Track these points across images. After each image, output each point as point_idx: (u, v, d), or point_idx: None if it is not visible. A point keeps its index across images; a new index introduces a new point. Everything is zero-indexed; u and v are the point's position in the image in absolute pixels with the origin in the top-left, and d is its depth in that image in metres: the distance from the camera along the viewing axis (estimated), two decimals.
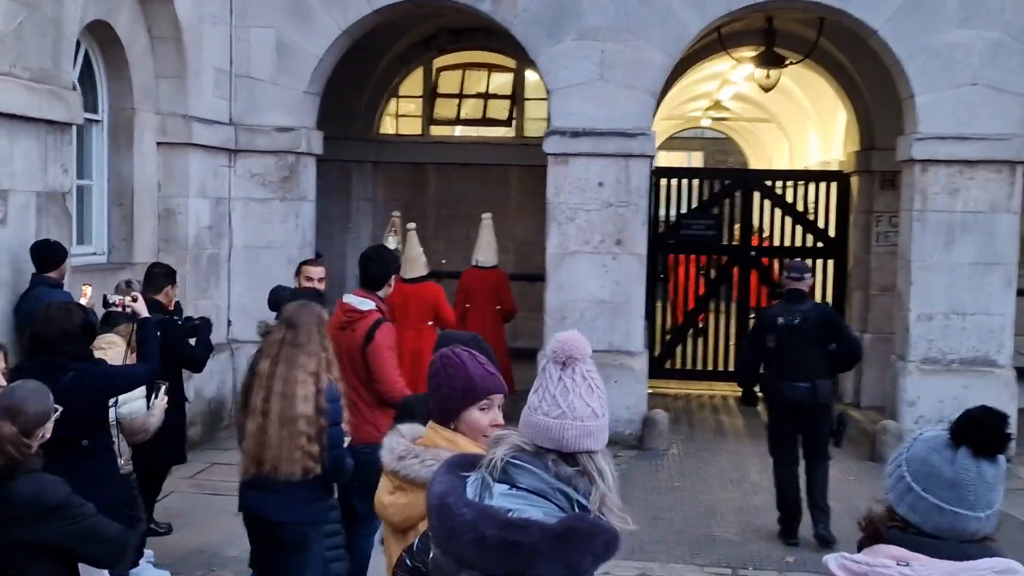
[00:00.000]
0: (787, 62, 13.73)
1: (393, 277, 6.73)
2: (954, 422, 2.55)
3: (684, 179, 15.77)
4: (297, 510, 5.38)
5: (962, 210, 11.33)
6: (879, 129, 13.97)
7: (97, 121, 10.11)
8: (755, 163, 27.87)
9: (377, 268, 6.65)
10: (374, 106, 15.31)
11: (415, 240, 11.17)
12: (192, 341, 7.95)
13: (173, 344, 7.45)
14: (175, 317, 8.15)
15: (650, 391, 14.94)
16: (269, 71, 11.86)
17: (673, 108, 21.89)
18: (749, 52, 14.32)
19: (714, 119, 25.14)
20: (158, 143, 10.70)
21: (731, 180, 15.72)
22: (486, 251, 12.50)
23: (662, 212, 15.68)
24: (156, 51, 10.59)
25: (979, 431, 2.51)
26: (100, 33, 9.81)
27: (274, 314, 7.12)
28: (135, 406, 6.72)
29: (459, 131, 15.78)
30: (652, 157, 11.91)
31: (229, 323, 11.82)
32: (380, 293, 6.66)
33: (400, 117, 15.82)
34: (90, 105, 10.01)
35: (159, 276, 8.30)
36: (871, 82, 13.71)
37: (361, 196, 15.26)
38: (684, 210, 15.58)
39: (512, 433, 2.76)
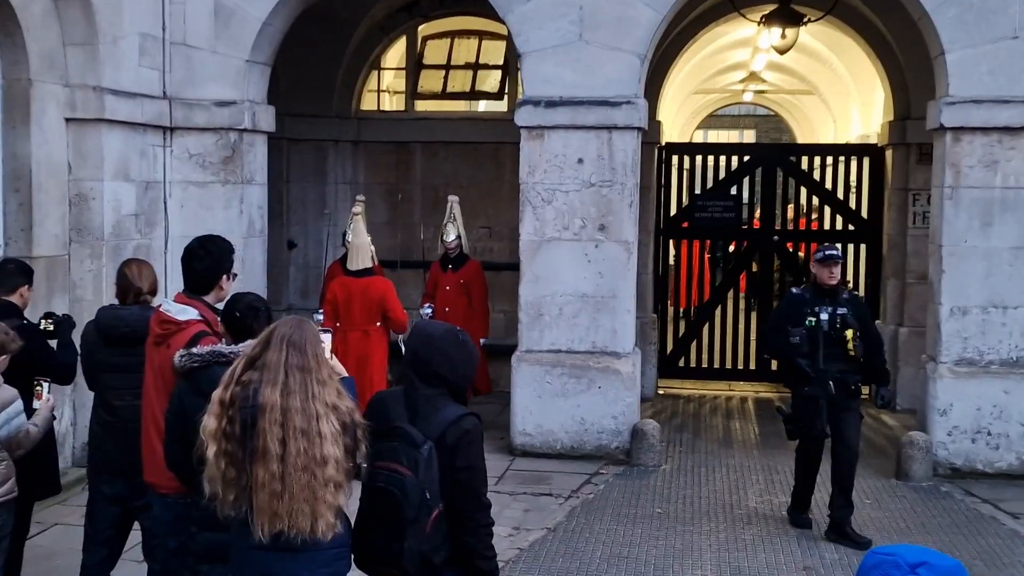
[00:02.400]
0: (805, 19, 12.07)
1: (226, 278, 5.30)
2: None
3: (698, 156, 14.19)
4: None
5: (1002, 185, 9.65)
6: (915, 95, 12.30)
7: None
8: (803, 140, 26.09)
9: (203, 266, 5.24)
10: (352, 80, 13.89)
11: (361, 225, 9.74)
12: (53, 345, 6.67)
13: (36, 351, 6.23)
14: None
15: (660, 392, 13.59)
16: (207, 38, 10.49)
17: (704, 80, 20.28)
18: (767, 11, 12.68)
19: (756, 92, 23.41)
20: (67, 119, 9.37)
21: (751, 156, 14.07)
22: (452, 237, 11.10)
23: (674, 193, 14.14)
24: (62, 14, 9.27)
25: None
26: None
27: None
28: (16, 424, 5.62)
29: (446, 106, 14.27)
30: (640, 129, 10.34)
31: None
32: (208, 298, 5.24)
33: (382, 92, 14.39)
34: None
35: (12, 274, 6.96)
36: (904, 41, 12.03)
37: (339, 179, 13.86)
38: (698, 191, 14.02)
39: None
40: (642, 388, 12.99)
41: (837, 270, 8.17)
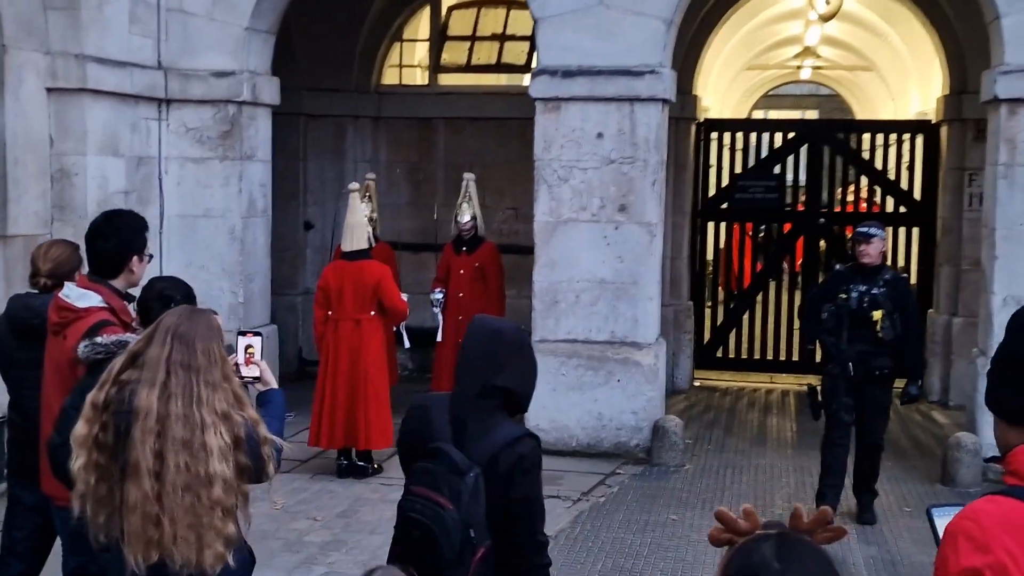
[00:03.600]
0: None
1: (137, 259, 4.62)
2: None
3: (739, 132, 13.33)
4: None
5: None
6: (972, 67, 11.32)
7: None
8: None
9: (109, 245, 4.57)
10: (372, 53, 13.20)
11: (356, 203, 9.03)
12: None
13: None
14: None
15: (696, 384, 12.82)
16: (204, 3, 9.85)
17: (756, 55, 19.33)
18: None
19: (813, 69, 22.35)
20: (48, 89, 8.81)
21: (796, 134, 13.17)
22: (466, 217, 10.39)
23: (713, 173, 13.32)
24: None
25: None
26: None
27: None
28: None
29: (471, 79, 13.51)
30: (666, 101, 9.54)
31: None
32: (117, 282, 4.58)
33: (404, 66, 13.67)
34: None
35: None
36: (959, 7, 11.09)
37: (359, 156, 13.19)
38: (739, 170, 13.17)
39: None
40: (676, 380, 12.32)
41: (869, 248, 7.70)
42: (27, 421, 4.97)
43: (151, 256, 4.76)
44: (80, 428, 3.47)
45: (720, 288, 14.52)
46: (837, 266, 8.38)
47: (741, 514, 2.00)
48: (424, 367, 12.38)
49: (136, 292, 4.62)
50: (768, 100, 28.70)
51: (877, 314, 7.64)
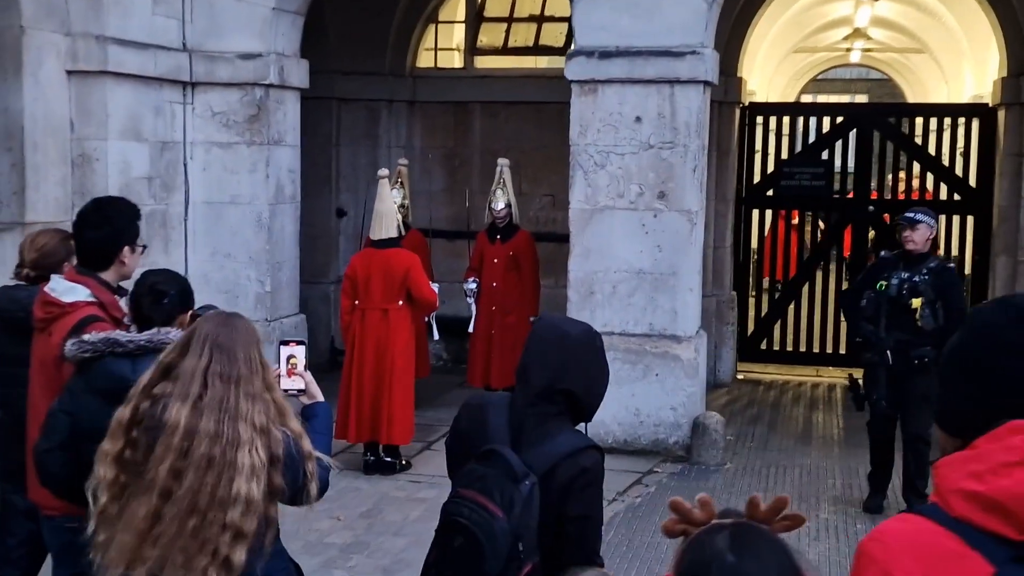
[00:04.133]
0: None
1: (129, 250, 4.31)
2: None
3: (785, 117, 12.87)
4: None
5: None
6: None
7: None
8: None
9: (99, 236, 4.26)
10: (407, 35, 12.86)
11: (386, 190, 8.72)
12: None
13: None
14: None
15: (740, 377, 12.41)
16: None
17: (804, 38, 18.82)
18: None
19: (863, 52, 21.77)
20: (69, 71, 8.55)
21: (844, 118, 12.68)
22: (500, 204, 10.05)
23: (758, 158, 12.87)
24: None
25: None
26: None
27: None
28: None
29: (508, 62, 13.14)
30: (708, 83, 9.13)
31: None
32: (107, 275, 4.28)
33: (440, 49, 13.32)
34: None
35: None
36: None
37: (393, 142, 12.87)
38: (786, 155, 12.72)
39: None
40: (719, 373, 11.93)
41: (914, 234, 7.49)
42: (16, 421, 4.68)
43: (144, 247, 4.44)
44: (105, 444, 3.21)
45: (764, 278, 14.09)
46: (883, 253, 8.20)
47: (696, 504, 1.87)
48: (459, 358, 12.09)
49: (129, 285, 4.32)
50: (816, 84, 28.17)
51: (916, 302, 7.43)
